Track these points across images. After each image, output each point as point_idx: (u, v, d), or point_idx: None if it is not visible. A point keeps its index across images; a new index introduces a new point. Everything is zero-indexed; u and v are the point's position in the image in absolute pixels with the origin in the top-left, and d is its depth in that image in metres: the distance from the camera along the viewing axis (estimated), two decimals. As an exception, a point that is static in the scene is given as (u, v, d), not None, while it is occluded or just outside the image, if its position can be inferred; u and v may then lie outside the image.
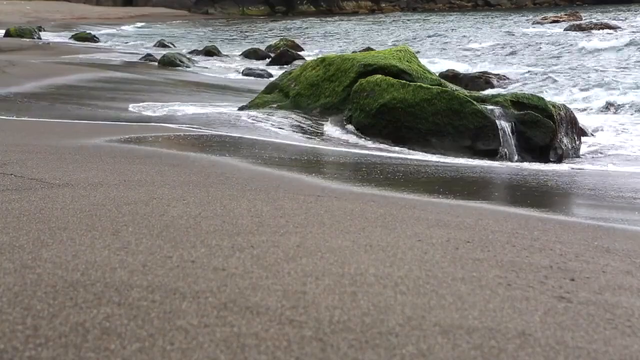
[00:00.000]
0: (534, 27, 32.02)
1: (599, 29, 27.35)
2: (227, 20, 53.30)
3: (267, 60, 21.36)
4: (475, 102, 7.66)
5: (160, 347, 1.88)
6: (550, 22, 33.76)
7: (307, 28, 41.12)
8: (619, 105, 11.57)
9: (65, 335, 1.91)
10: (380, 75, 8.10)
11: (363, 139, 7.80)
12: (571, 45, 22.24)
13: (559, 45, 22.66)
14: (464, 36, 29.18)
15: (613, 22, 30.02)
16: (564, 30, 28.77)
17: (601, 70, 15.89)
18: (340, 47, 27.26)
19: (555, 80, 14.75)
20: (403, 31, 34.87)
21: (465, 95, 7.91)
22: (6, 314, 2.02)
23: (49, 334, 1.91)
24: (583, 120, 9.60)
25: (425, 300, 2.33)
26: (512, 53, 21.39)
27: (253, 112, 8.68)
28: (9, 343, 1.85)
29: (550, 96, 11.61)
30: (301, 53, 22.58)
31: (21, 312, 2.04)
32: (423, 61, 10.62)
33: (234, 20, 53.43)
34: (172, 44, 27.09)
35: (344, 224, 3.28)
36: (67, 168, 4.26)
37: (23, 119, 7.27)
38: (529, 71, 16.58)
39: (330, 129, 8.17)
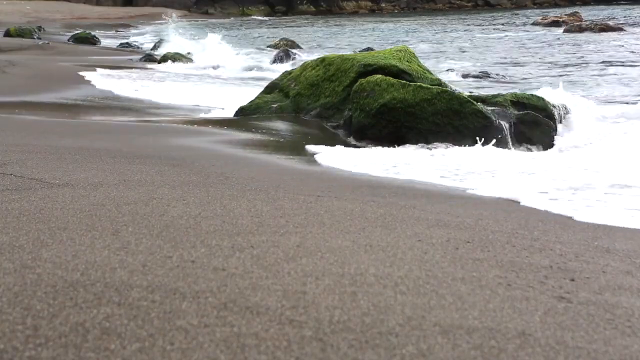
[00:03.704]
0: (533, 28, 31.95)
1: (599, 31, 27.25)
2: (227, 20, 53.29)
3: (267, 60, 21.32)
4: (475, 102, 7.66)
5: (160, 347, 1.88)
6: (550, 23, 33.71)
7: (307, 28, 41.11)
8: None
9: (65, 335, 1.91)
10: (380, 75, 8.08)
11: (363, 143, 7.79)
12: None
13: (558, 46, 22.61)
14: (465, 32, 29.10)
15: (615, 24, 29.95)
16: (563, 32, 28.66)
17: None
18: (340, 46, 27.22)
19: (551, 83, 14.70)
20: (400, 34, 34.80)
21: (465, 95, 7.91)
22: (6, 314, 2.02)
23: (49, 334, 1.91)
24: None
25: (425, 300, 2.33)
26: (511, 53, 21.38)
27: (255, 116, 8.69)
28: (9, 343, 1.85)
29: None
30: (301, 53, 22.55)
31: (21, 312, 2.04)
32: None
33: (234, 20, 53.43)
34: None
35: (344, 224, 3.28)
36: (67, 168, 4.25)
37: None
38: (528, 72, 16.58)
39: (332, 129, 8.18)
